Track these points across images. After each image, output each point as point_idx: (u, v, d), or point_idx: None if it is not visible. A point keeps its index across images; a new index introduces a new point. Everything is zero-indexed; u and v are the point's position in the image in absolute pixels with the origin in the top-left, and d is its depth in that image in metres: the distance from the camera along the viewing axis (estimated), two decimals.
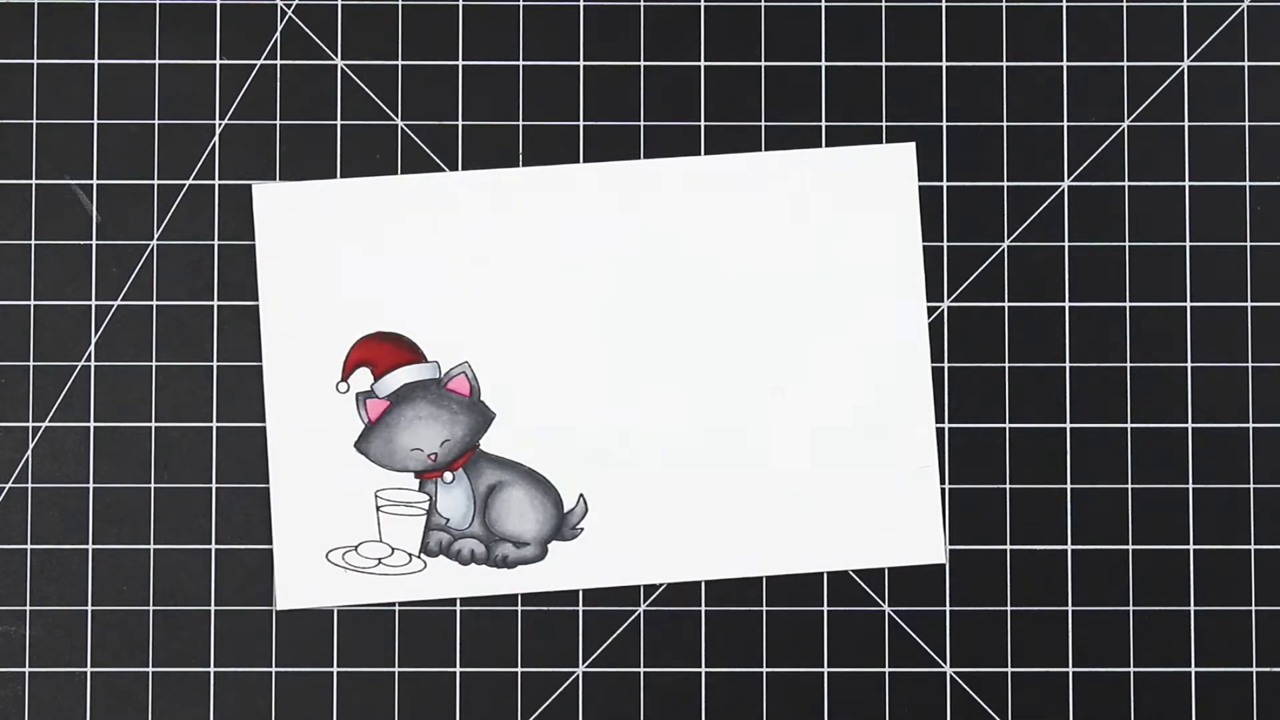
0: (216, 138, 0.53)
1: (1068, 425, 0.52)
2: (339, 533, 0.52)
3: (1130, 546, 0.52)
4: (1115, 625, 0.52)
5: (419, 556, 0.52)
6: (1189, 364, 0.52)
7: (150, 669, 0.51)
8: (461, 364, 0.52)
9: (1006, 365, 0.52)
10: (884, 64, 0.53)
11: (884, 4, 0.53)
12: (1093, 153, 0.53)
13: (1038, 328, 0.52)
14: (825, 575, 0.52)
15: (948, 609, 0.52)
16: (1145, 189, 0.53)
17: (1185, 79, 0.53)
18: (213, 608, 0.52)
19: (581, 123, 0.53)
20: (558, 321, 0.52)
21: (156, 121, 0.53)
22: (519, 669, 0.52)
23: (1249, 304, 0.53)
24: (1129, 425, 0.52)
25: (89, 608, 0.52)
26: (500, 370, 0.52)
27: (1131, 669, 0.52)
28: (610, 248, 0.52)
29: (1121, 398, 0.52)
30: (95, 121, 0.53)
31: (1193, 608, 0.52)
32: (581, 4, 0.53)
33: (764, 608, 0.52)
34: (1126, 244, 0.53)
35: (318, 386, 0.52)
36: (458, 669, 0.52)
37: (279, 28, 0.53)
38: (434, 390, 0.52)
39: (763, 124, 0.53)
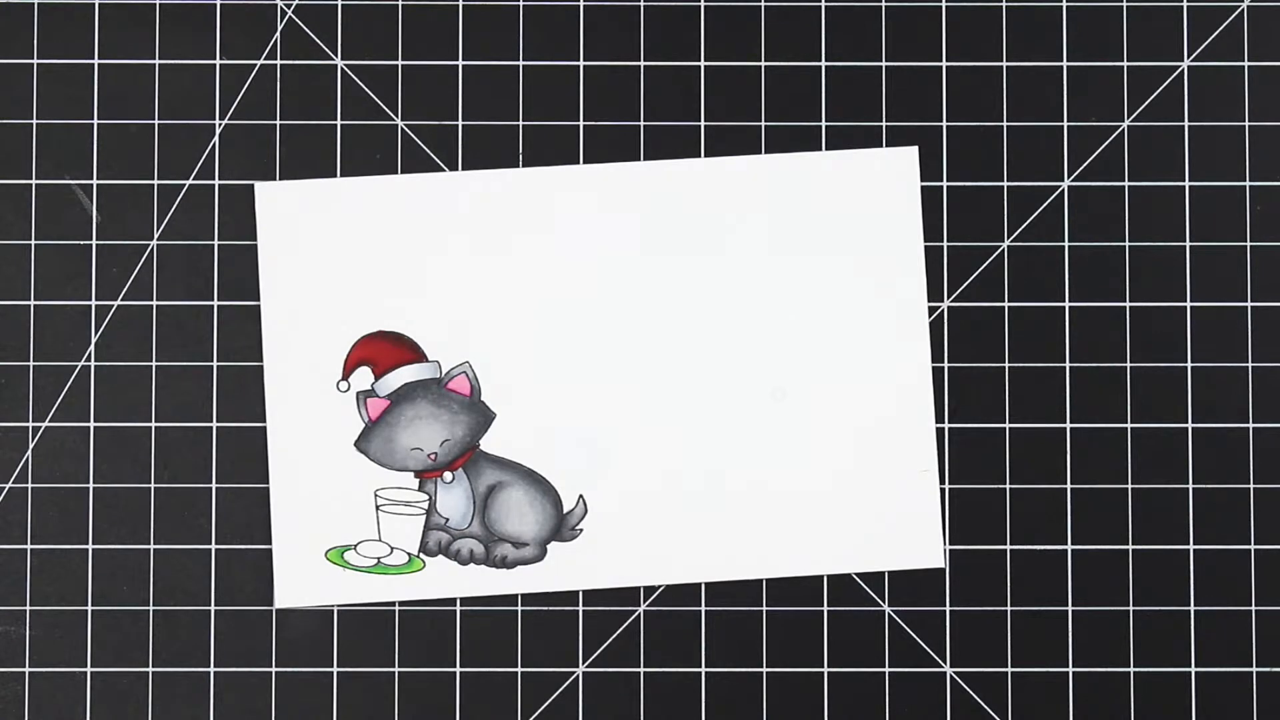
0: (216, 138, 0.53)
1: (1068, 425, 0.52)
2: (339, 532, 0.52)
3: (1130, 546, 0.52)
4: (1115, 625, 0.52)
5: (419, 556, 0.52)
6: (1189, 364, 0.52)
7: (150, 669, 0.51)
8: (462, 364, 0.52)
9: (1006, 365, 0.52)
10: (884, 64, 0.53)
11: (884, 4, 0.53)
12: (1093, 153, 0.53)
13: (1038, 328, 0.52)
14: (825, 576, 0.52)
15: (948, 609, 0.52)
16: (1145, 189, 0.53)
17: (1185, 79, 0.53)
18: (212, 608, 0.52)
19: (581, 123, 0.53)
20: (558, 322, 0.52)
21: (156, 121, 0.53)
22: (519, 669, 0.52)
23: (1249, 304, 0.53)
24: (1129, 425, 0.52)
25: (89, 608, 0.52)
26: (501, 370, 0.52)
27: (1131, 669, 0.52)
28: (610, 248, 0.52)
29: (1121, 398, 0.52)
30: (95, 121, 0.53)
31: (1193, 608, 0.52)
32: (581, 4, 0.53)
33: (764, 608, 0.52)
34: (1126, 244, 0.53)
35: (318, 386, 0.52)
36: (457, 669, 0.52)
37: (279, 28, 0.53)
38: (434, 390, 0.52)
39: (763, 124, 0.53)
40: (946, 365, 0.52)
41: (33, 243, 0.52)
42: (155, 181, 0.53)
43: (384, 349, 0.52)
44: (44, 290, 0.52)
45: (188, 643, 0.52)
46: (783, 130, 0.53)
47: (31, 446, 0.52)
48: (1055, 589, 0.52)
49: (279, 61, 0.53)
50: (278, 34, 0.53)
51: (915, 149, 0.53)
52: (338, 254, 0.52)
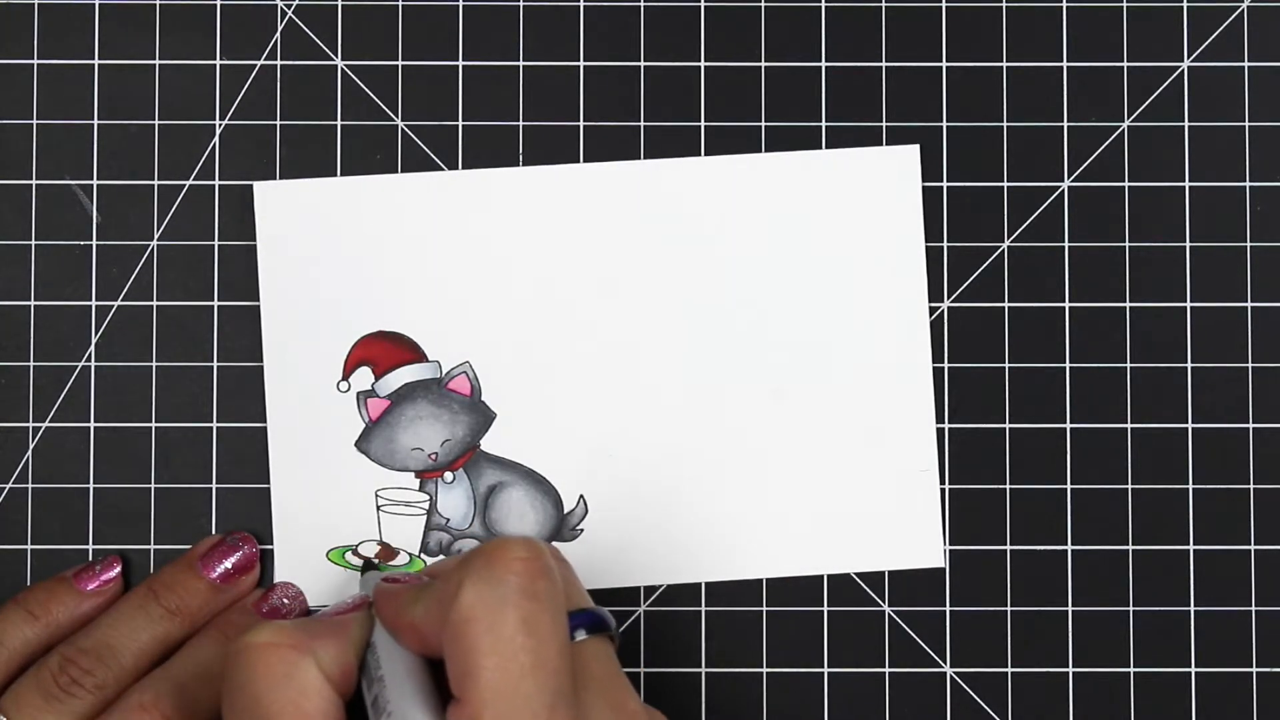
0: (216, 138, 0.53)
1: (1068, 425, 0.52)
2: (339, 532, 0.52)
3: (1130, 546, 0.52)
4: (1115, 625, 0.52)
5: (419, 556, 0.52)
6: (1189, 364, 0.52)
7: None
8: (462, 364, 0.52)
9: (1006, 365, 0.52)
10: (884, 64, 0.53)
11: (884, 4, 0.53)
12: (1093, 153, 0.53)
13: (1038, 328, 0.53)
14: (825, 576, 0.52)
15: (948, 609, 0.52)
16: (1145, 189, 0.53)
17: (1185, 79, 0.53)
18: None
19: (581, 123, 0.53)
20: (558, 322, 0.52)
21: (156, 121, 0.53)
22: None
23: (1249, 304, 0.53)
24: (1129, 425, 0.52)
25: None
26: (501, 370, 0.52)
27: (1131, 669, 0.52)
28: (610, 248, 0.52)
29: (1121, 398, 0.52)
30: (95, 121, 0.53)
31: (1193, 608, 0.52)
32: (581, 4, 0.53)
33: (764, 608, 0.52)
34: (1126, 244, 0.53)
35: (318, 386, 0.52)
36: None
37: (279, 28, 0.53)
38: (435, 390, 0.52)
39: (763, 124, 0.53)
40: (946, 365, 0.52)
41: (33, 243, 0.52)
42: (155, 181, 0.53)
43: (384, 349, 0.52)
44: (44, 290, 0.52)
45: None
46: (783, 130, 0.53)
47: (31, 446, 0.52)
48: (1055, 589, 0.52)
49: (279, 61, 0.53)
50: (278, 34, 0.53)
51: (916, 147, 0.53)
52: (338, 254, 0.52)
